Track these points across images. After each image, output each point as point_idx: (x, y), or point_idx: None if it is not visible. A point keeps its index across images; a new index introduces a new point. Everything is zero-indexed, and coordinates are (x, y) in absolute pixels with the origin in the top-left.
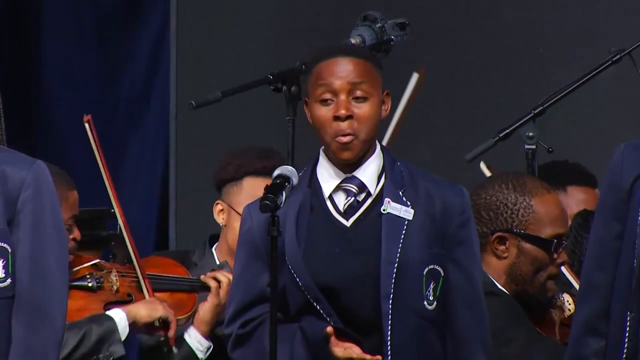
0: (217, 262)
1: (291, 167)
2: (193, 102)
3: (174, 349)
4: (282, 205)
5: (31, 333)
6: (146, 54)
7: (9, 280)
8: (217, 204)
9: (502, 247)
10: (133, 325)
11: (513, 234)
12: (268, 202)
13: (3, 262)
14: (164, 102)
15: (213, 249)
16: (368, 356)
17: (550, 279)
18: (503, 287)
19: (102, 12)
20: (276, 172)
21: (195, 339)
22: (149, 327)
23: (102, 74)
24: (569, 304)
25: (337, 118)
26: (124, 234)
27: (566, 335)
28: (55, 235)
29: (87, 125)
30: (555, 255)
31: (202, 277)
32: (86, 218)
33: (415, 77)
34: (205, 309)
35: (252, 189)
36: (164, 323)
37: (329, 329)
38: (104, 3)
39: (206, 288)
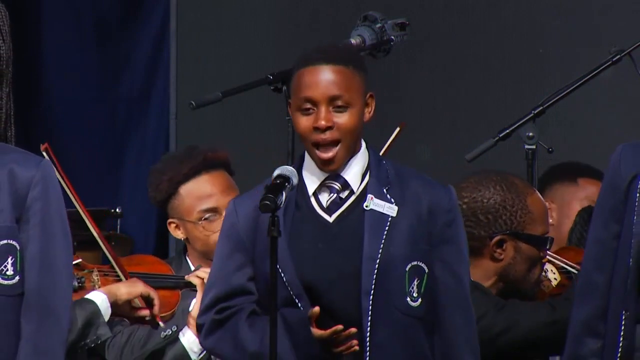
0: (192, 268)
1: (291, 167)
2: (193, 102)
3: (161, 324)
4: (282, 206)
5: (40, 332)
6: (146, 54)
7: (17, 278)
8: (170, 223)
9: (500, 250)
10: (114, 306)
11: (512, 236)
12: (268, 202)
13: (12, 259)
14: (164, 102)
15: (187, 257)
16: (353, 329)
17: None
18: (490, 287)
19: (102, 12)
20: (276, 172)
21: (189, 339)
22: (132, 308)
23: (102, 74)
24: (553, 273)
25: (316, 129)
26: (97, 238)
27: None
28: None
29: (44, 153)
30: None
31: (185, 277)
32: None
33: (396, 130)
34: (196, 307)
35: (191, 194)
36: (147, 301)
37: (316, 309)
38: (104, 3)
39: (190, 285)
